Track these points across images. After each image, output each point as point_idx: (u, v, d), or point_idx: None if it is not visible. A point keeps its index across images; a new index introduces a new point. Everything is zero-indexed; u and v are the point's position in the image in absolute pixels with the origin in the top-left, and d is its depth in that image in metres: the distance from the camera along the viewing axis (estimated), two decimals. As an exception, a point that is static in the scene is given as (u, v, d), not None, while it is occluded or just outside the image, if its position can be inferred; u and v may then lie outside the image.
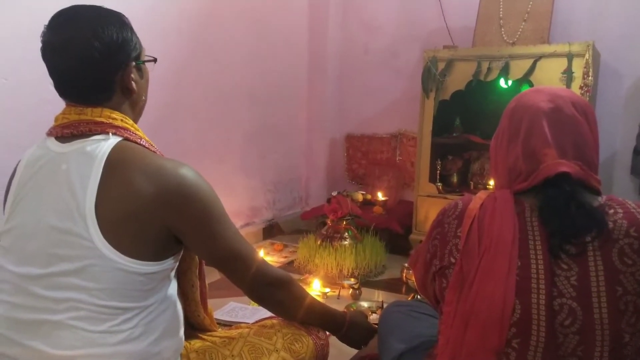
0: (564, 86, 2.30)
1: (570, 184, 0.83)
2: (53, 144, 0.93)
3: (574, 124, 0.88)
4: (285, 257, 2.75)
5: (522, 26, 2.57)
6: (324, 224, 2.69)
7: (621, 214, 0.82)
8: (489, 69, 2.47)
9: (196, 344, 1.12)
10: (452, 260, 0.90)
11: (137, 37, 0.99)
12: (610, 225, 0.81)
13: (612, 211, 0.83)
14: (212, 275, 2.12)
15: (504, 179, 0.93)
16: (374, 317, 1.82)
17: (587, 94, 2.26)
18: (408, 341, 1.17)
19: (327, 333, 1.30)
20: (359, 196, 3.06)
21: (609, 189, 2.76)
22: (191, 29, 2.53)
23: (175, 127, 2.49)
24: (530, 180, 0.87)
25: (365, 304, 2.00)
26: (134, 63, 0.98)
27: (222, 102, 2.78)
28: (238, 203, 2.98)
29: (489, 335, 0.80)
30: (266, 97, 3.08)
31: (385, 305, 1.61)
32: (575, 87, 2.28)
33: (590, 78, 2.26)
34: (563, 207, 0.81)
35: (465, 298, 0.84)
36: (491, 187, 2.64)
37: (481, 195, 0.93)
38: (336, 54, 3.46)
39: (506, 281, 0.80)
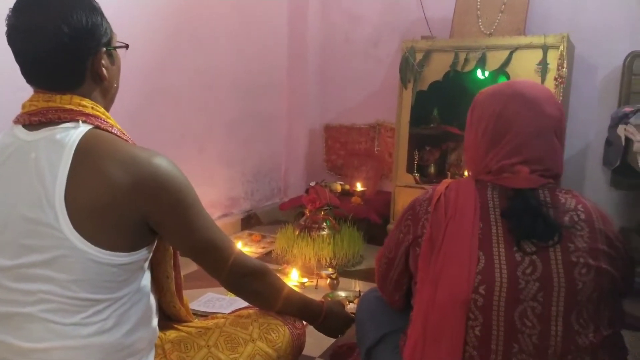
0: (539, 78, 2.33)
1: (536, 195, 0.93)
2: (21, 132, 0.90)
3: (551, 143, 0.97)
4: (264, 247, 2.74)
5: (499, 17, 2.60)
6: (302, 214, 2.69)
7: (570, 196, 0.95)
8: (466, 60, 2.49)
9: (171, 334, 1.11)
10: (424, 231, 0.99)
11: (108, 22, 0.96)
12: (562, 200, 0.94)
13: (563, 195, 0.95)
14: (189, 266, 2.10)
15: (473, 168, 1.03)
16: (351, 307, 1.83)
17: (562, 85, 2.29)
18: (385, 326, 1.18)
19: (304, 323, 1.30)
20: (338, 186, 3.07)
21: (581, 179, 2.82)
22: (172, 16, 2.49)
23: (156, 115, 2.46)
24: (498, 179, 0.96)
25: (342, 294, 2.01)
26: (104, 49, 0.95)
27: (204, 90, 2.75)
28: (216, 193, 2.95)
29: (457, 288, 0.89)
30: (247, 86, 3.06)
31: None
32: (550, 79, 2.31)
33: (564, 70, 2.29)
34: (530, 222, 0.90)
35: (435, 261, 0.94)
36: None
37: (447, 180, 1.05)
38: (316, 42, 3.45)
39: (470, 240, 0.91)
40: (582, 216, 0.91)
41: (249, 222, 3.19)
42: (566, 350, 0.85)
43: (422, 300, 0.95)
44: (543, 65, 2.33)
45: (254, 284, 1.12)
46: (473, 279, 0.88)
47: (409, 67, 2.61)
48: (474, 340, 0.88)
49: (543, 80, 2.33)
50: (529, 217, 0.90)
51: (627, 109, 1.98)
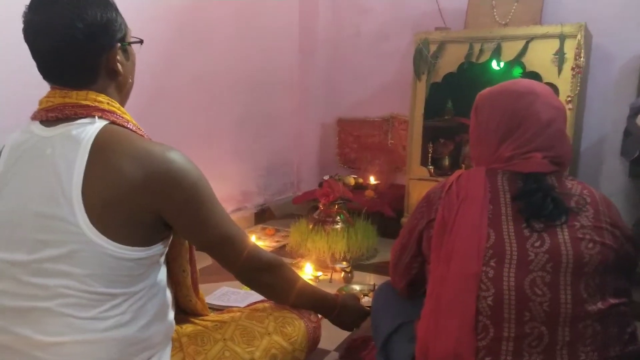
0: (556, 68, 2.30)
1: (546, 179, 0.99)
2: (37, 128, 0.91)
3: (561, 131, 1.05)
4: (277, 241, 2.75)
5: (514, 7, 2.55)
6: (316, 208, 2.68)
7: (576, 183, 1.02)
8: (481, 51, 2.45)
9: (188, 328, 1.12)
10: (437, 214, 1.05)
11: (122, 18, 0.97)
12: (569, 186, 1.00)
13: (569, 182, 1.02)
14: (204, 260, 2.11)
15: (484, 160, 1.07)
16: (365, 300, 1.83)
17: (579, 75, 2.26)
18: (401, 316, 1.20)
19: (319, 316, 1.30)
20: (351, 180, 3.06)
21: (598, 171, 2.78)
22: (178, 13, 2.49)
23: (164, 112, 2.46)
24: (509, 166, 1.02)
25: (357, 287, 2.01)
26: (119, 44, 0.95)
27: (212, 86, 2.75)
28: (229, 188, 2.96)
29: (468, 262, 0.94)
30: (256, 81, 3.05)
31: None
32: (567, 69, 2.27)
33: (582, 59, 2.25)
34: (540, 201, 0.95)
35: (447, 240, 0.99)
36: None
37: (460, 171, 1.11)
38: (327, 37, 3.42)
39: (480, 219, 0.96)
40: (588, 200, 0.97)
41: (263, 216, 3.19)
42: (576, 317, 0.88)
43: (436, 277, 1.00)
44: (560, 55, 2.29)
45: (269, 277, 1.13)
46: (483, 253, 0.93)
47: (422, 58, 2.58)
48: (486, 310, 0.91)
49: (560, 70, 2.30)
50: (539, 197, 0.95)
51: (647, 99, 1.94)
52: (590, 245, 0.92)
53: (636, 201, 2.68)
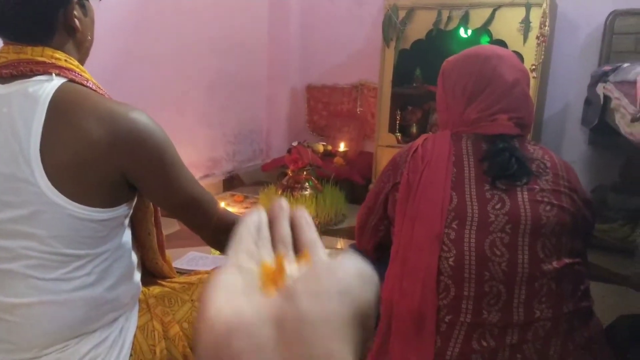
0: (522, 36, 2.33)
1: (512, 141, 1.02)
2: (-9, 85, 0.88)
3: (525, 92, 1.07)
4: (246, 207, 2.75)
5: (482, -26, 2.55)
6: (285, 174, 2.69)
7: (538, 147, 1.05)
8: (449, 18, 2.46)
9: (155, 289, 1.12)
10: (402, 178, 1.07)
11: None
12: (531, 150, 1.03)
13: (531, 146, 1.06)
14: (173, 225, 2.10)
15: (450, 124, 1.09)
16: (333, 264, 1.86)
17: (543, 44, 2.29)
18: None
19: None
20: (320, 147, 3.06)
21: (560, 138, 2.86)
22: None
23: (134, 74, 2.40)
24: (475, 128, 1.04)
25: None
26: (76, 0, 0.91)
27: (182, 52, 2.68)
28: (198, 154, 2.93)
29: (431, 224, 0.97)
30: (226, 46, 2.99)
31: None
32: (532, 37, 2.31)
33: (546, 28, 2.28)
34: (506, 160, 0.98)
35: (412, 203, 1.01)
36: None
37: (425, 135, 1.13)
38: (298, 2, 3.36)
39: (444, 182, 0.99)
40: (548, 164, 1.01)
41: (231, 183, 3.18)
42: (533, 276, 0.92)
43: (400, 239, 1.02)
44: (525, 23, 2.32)
45: (237, 239, 1.13)
46: (445, 215, 0.96)
47: (391, 25, 2.57)
48: (448, 270, 0.95)
49: (525, 39, 2.33)
50: (505, 157, 0.98)
51: (607, 68, 1.99)
52: (548, 208, 0.95)
53: (595, 168, 2.78)
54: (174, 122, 2.66)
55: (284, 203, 0.37)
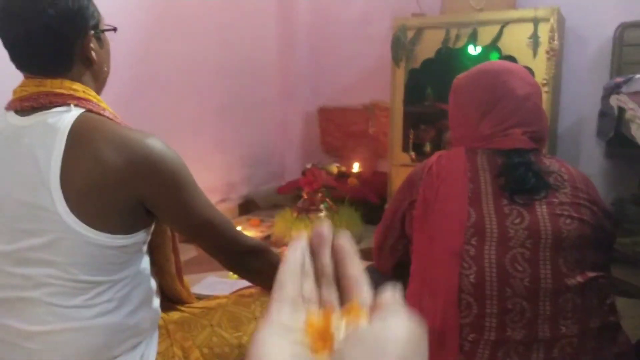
0: (531, 51, 2.33)
1: (528, 155, 1.02)
2: (13, 117, 0.90)
3: (538, 106, 1.07)
4: (262, 231, 2.75)
5: (489, -8, 2.58)
6: (300, 197, 2.69)
7: (554, 160, 1.04)
8: (458, 36, 2.48)
9: (174, 315, 1.12)
10: (419, 195, 1.06)
11: (95, 6, 0.96)
12: (547, 163, 1.02)
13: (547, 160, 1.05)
14: (191, 251, 2.11)
15: (464, 140, 1.09)
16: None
17: (553, 58, 2.29)
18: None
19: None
20: (334, 168, 3.07)
21: (576, 152, 2.83)
22: (159, 1, 2.46)
23: (146, 102, 2.44)
24: (491, 144, 1.04)
25: (342, 273, 2.03)
26: (92, 32, 0.94)
27: (193, 77, 2.73)
28: (213, 179, 2.95)
29: (450, 241, 0.96)
30: (237, 70, 3.03)
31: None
32: (542, 52, 2.31)
33: (555, 42, 2.29)
34: (523, 175, 0.97)
35: (429, 220, 1.01)
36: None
37: (440, 152, 1.13)
38: (306, 23, 3.40)
39: (460, 198, 0.98)
40: (565, 177, 1.00)
41: (247, 207, 3.19)
42: (557, 291, 0.90)
43: (419, 256, 1.01)
44: (534, 38, 2.33)
45: (255, 262, 1.13)
46: (464, 231, 0.95)
47: (400, 45, 2.59)
48: (469, 287, 0.93)
49: (535, 54, 2.33)
50: (522, 171, 0.97)
51: (619, 79, 1.98)
52: (568, 221, 0.94)
53: (614, 180, 2.74)
54: (189, 147, 2.68)
55: (325, 230, 0.36)
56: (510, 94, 1.04)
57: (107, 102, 0.99)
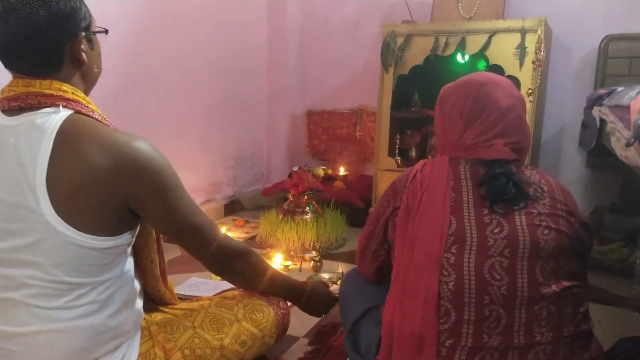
0: (518, 61, 2.37)
1: (509, 165, 1.04)
2: (0, 117, 0.90)
3: (521, 117, 1.10)
4: (247, 232, 2.76)
5: (478, 1, 2.61)
6: (286, 199, 2.70)
7: (535, 172, 1.07)
8: (447, 44, 2.51)
9: (157, 316, 1.12)
10: (402, 202, 1.08)
11: (87, 7, 0.96)
12: (527, 174, 1.05)
13: (528, 171, 1.07)
14: (174, 251, 2.11)
15: (448, 149, 1.11)
16: (334, 288, 1.85)
17: (539, 68, 2.33)
18: (369, 301, 1.22)
19: (288, 303, 1.32)
20: (320, 171, 3.08)
21: (557, 160, 2.88)
22: (148, 2, 2.45)
23: (133, 101, 2.43)
24: (474, 154, 1.06)
25: (326, 276, 2.04)
26: (83, 34, 0.94)
27: (181, 77, 2.72)
28: (198, 179, 2.95)
29: (432, 246, 0.98)
30: (226, 70, 3.03)
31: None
32: (528, 62, 2.35)
33: (542, 53, 2.33)
34: (504, 185, 1.00)
35: (411, 226, 1.03)
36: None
37: (424, 160, 1.14)
38: (296, 26, 3.41)
39: (443, 206, 1.00)
40: (545, 188, 1.02)
41: (232, 207, 3.19)
42: (532, 299, 0.93)
43: (400, 262, 1.03)
44: (521, 48, 2.36)
45: (238, 264, 1.14)
46: (444, 239, 0.97)
47: (389, 51, 2.62)
48: (448, 295, 0.95)
49: (521, 64, 2.37)
50: (503, 182, 1.00)
51: (602, 91, 2.03)
52: (546, 231, 0.96)
53: (593, 189, 2.79)
54: (175, 147, 2.68)
55: None
56: (493, 105, 1.07)
57: (94, 100, 1.00)
